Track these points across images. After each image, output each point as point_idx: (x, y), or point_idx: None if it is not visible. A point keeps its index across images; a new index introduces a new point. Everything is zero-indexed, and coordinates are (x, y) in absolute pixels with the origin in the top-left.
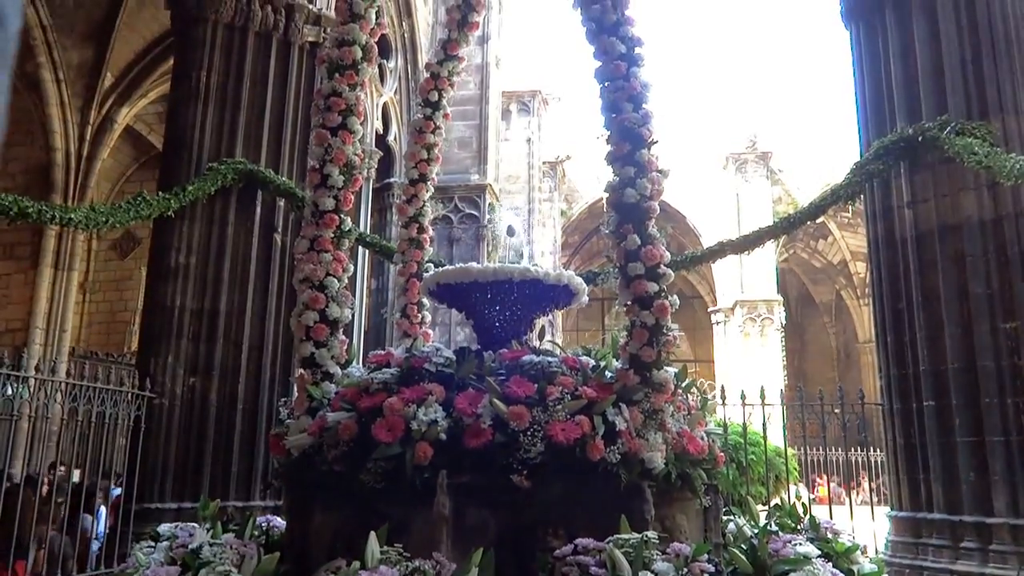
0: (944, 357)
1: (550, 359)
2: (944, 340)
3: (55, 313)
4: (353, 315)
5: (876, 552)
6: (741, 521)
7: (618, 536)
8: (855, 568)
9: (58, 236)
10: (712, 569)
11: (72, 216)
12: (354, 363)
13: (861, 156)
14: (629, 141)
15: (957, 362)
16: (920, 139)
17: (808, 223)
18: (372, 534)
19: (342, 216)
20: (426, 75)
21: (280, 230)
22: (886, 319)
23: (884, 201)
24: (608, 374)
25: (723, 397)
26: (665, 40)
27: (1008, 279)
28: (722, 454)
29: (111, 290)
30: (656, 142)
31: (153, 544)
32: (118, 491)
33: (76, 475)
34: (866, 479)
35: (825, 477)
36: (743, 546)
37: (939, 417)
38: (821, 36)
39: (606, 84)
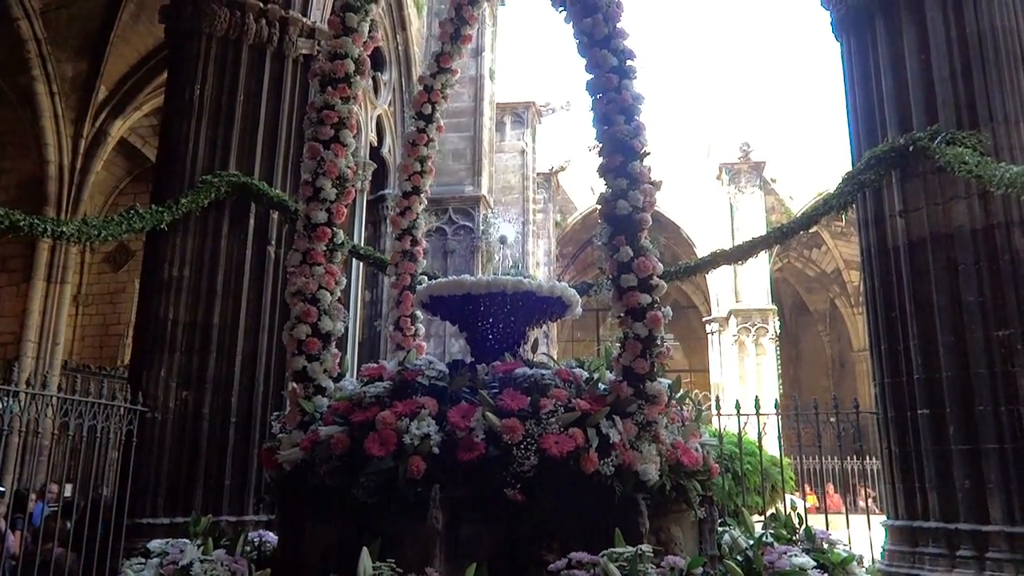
0: (938, 365)
1: (543, 371)
2: (937, 348)
3: (47, 326)
4: (347, 327)
5: (873, 561)
6: (736, 533)
7: (612, 550)
8: None
9: (51, 249)
10: None
11: (64, 229)
12: (348, 376)
13: (853, 166)
14: (621, 153)
15: (951, 370)
16: (911, 149)
17: (801, 232)
18: (364, 549)
19: (335, 229)
20: (419, 88)
21: (274, 243)
22: (879, 328)
23: (876, 210)
24: (601, 386)
25: (718, 407)
26: (658, 51)
27: (1000, 287)
28: (717, 465)
29: (104, 303)
30: (648, 154)
31: (143, 560)
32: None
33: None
34: (862, 488)
35: (811, 489)
36: (738, 558)
37: (934, 425)
38: (813, 47)
39: (598, 96)
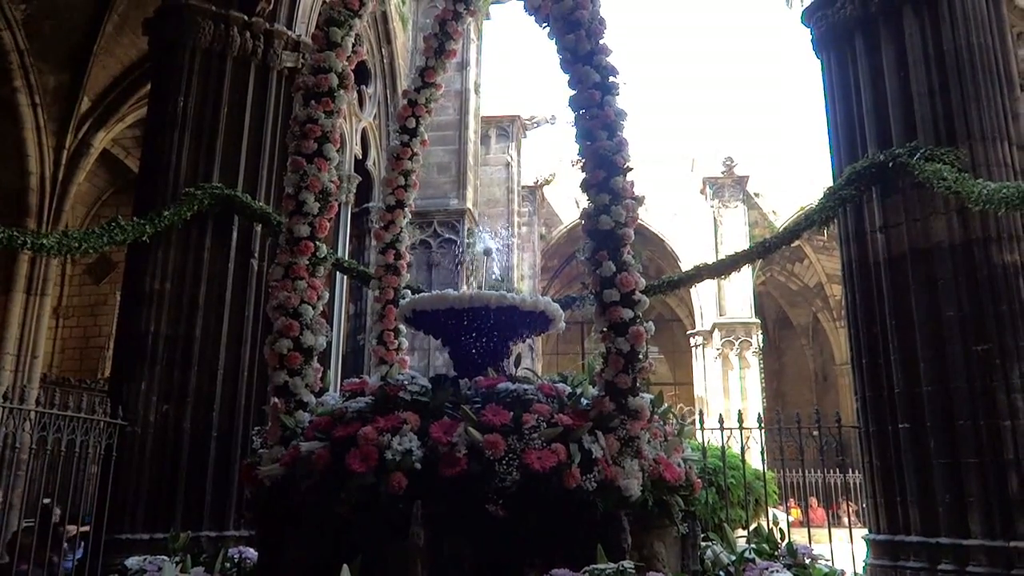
0: (918, 379)
1: (526, 387)
2: (918, 363)
3: (27, 339)
4: (331, 340)
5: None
6: (719, 548)
7: (595, 566)
8: None
9: (31, 261)
10: None
11: (44, 242)
12: (330, 390)
13: (834, 181)
14: (604, 168)
15: (931, 384)
16: (891, 165)
17: (784, 246)
18: (345, 567)
19: (317, 243)
20: (404, 102)
21: (256, 256)
22: (861, 342)
23: (857, 225)
24: (584, 401)
25: (701, 421)
26: (642, 66)
27: (979, 302)
28: (699, 480)
29: (85, 315)
30: (631, 169)
31: None
32: None
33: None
34: (846, 501)
35: (794, 502)
36: (721, 574)
37: (914, 439)
38: (796, 63)
39: (581, 112)
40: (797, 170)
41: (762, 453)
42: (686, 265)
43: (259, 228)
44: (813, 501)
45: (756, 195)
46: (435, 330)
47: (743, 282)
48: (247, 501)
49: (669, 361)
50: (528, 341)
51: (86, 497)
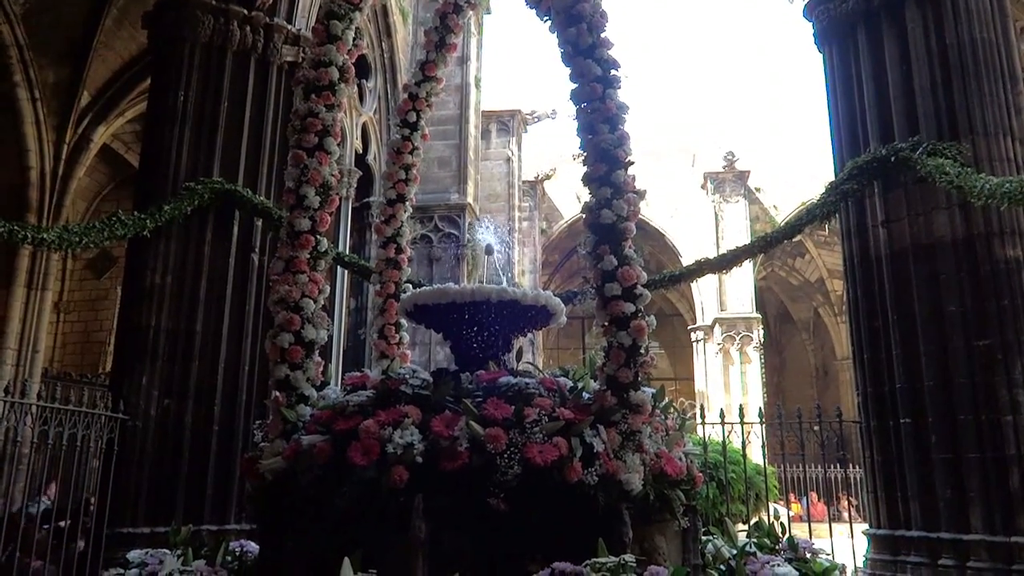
0: (920, 374)
1: (527, 380)
2: (919, 358)
3: (28, 334)
4: (331, 335)
5: (855, 570)
6: (720, 542)
7: (596, 559)
8: None
9: (32, 255)
10: None
11: (44, 236)
12: (331, 384)
13: (836, 176)
14: (605, 162)
15: (932, 379)
16: (893, 159)
17: (785, 241)
18: (346, 560)
19: (318, 237)
20: (404, 96)
21: (257, 250)
22: (862, 337)
23: (859, 220)
24: (586, 395)
25: (702, 416)
26: (643, 60)
27: (980, 297)
28: (700, 475)
29: (86, 310)
30: (632, 163)
31: (123, 571)
32: None
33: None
34: (845, 496)
35: (795, 496)
36: (721, 568)
37: (915, 434)
38: (798, 57)
39: (583, 106)
40: (798, 165)
41: (763, 448)
42: (687, 260)
43: (260, 222)
44: (814, 496)
45: (757, 190)
46: (436, 324)
47: (744, 277)
48: (248, 495)
49: (670, 356)
50: (529, 335)
51: (87, 491)
